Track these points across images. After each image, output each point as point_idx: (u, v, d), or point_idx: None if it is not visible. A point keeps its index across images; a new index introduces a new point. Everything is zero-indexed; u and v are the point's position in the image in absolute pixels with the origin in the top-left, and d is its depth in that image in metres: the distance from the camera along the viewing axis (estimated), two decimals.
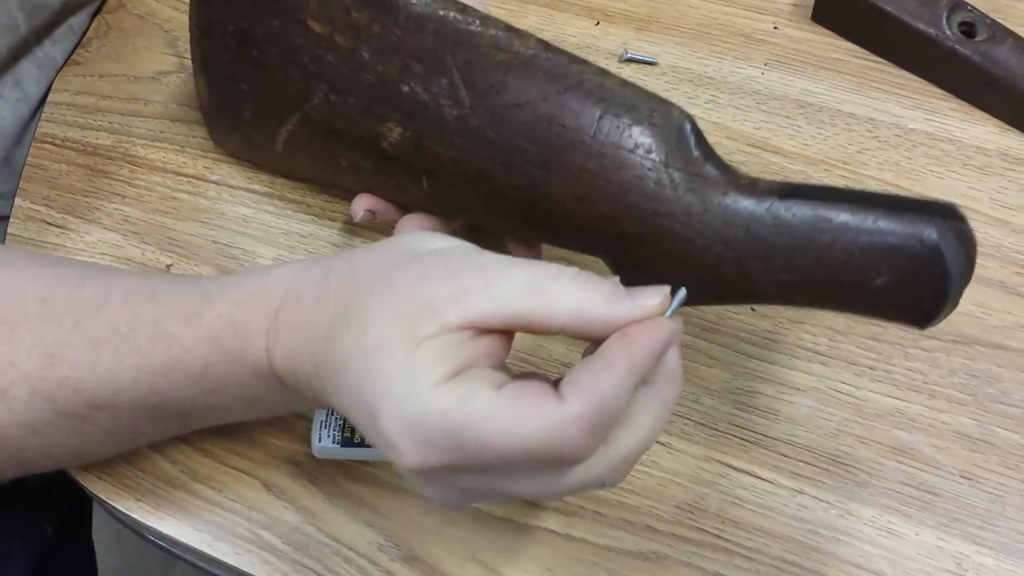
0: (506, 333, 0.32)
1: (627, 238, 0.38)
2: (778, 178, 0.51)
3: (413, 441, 0.30)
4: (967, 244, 0.34)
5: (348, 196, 0.47)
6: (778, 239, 0.36)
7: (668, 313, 0.32)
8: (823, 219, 0.35)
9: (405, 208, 0.46)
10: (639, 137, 0.38)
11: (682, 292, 0.33)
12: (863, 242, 0.34)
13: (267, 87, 0.46)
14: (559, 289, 0.31)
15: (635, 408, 0.31)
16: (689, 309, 0.44)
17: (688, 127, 0.38)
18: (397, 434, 0.30)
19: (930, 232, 0.33)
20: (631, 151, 0.38)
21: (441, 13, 0.41)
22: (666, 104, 0.38)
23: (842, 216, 0.35)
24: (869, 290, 0.35)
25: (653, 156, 0.37)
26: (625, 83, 0.39)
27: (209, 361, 0.36)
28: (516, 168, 0.39)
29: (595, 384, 0.29)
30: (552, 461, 0.30)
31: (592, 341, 0.32)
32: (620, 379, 0.30)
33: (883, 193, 0.37)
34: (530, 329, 0.31)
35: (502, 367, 0.32)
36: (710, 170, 0.37)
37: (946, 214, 0.34)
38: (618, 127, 0.38)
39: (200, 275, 0.49)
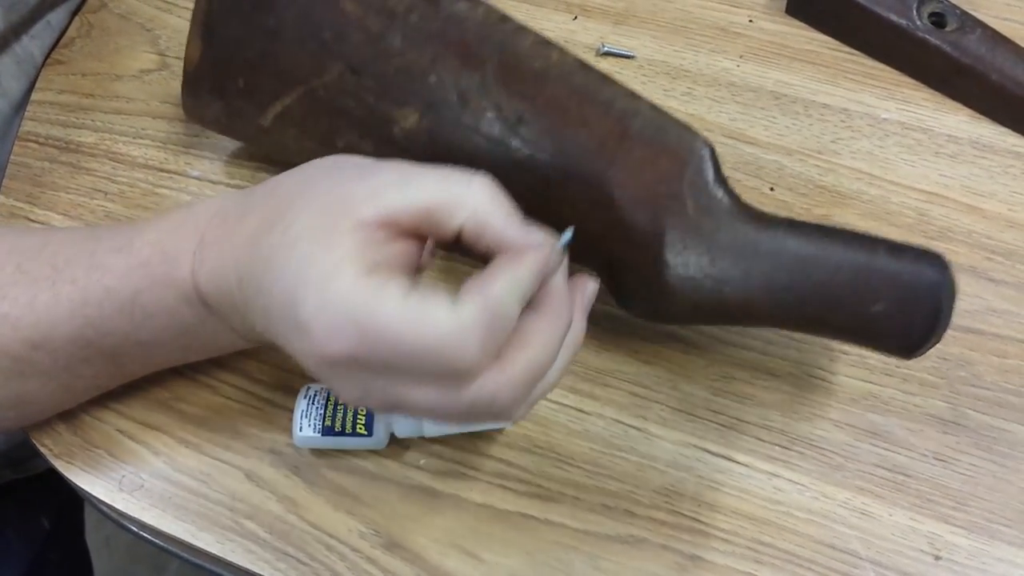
0: (418, 240, 0.34)
1: (633, 246, 0.39)
2: (752, 168, 0.52)
3: (324, 325, 0.31)
4: (951, 288, 0.38)
5: None
6: (785, 260, 0.39)
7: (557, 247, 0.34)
8: (829, 248, 0.38)
9: None
10: (662, 158, 0.39)
11: (569, 231, 0.35)
12: (866, 269, 0.38)
13: (274, 56, 0.44)
14: (468, 191, 0.33)
15: (525, 329, 0.33)
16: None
17: (708, 155, 0.40)
18: (311, 317, 0.31)
19: (931, 267, 0.38)
20: (653, 169, 0.39)
21: (484, 14, 0.42)
22: (690, 131, 0.40)
23: (847, 246, 0.38)
24: (865, 315, 0.38)
25: (673, 177, 0.39)
26: (654, 107, 0.41)
27: (138, 288, 0.37)
28: (534, 172, 0.40)
29: (483, 288, 0.31)
30: (447, 366, 0.31)
31: (479, 254, 0.34)
32: (506, 286, 0.31)
33: (877, 236, 0.40)
34: (436, 227, 0.33)
35: (413, 275, 0.34)
36: (724, 196, 0.40)
37: (937, 259, 0.38)
38: (642, 146, 0.40)
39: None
